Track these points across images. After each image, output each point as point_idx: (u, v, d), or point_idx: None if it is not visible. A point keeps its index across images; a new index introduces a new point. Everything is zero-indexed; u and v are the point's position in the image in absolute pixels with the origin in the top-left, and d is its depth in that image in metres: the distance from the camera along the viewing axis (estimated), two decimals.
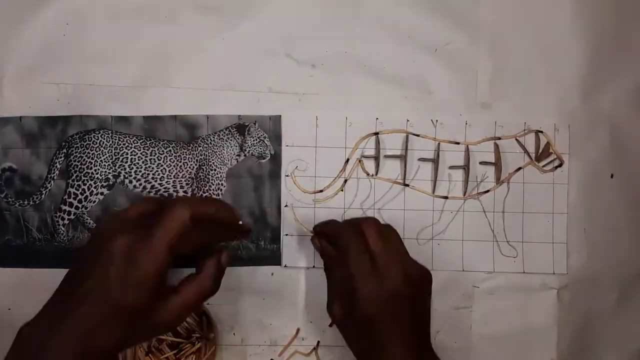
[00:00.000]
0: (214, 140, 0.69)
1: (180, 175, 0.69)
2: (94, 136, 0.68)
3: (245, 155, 0.69)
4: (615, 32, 0.70)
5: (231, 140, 0.69)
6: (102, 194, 0.68)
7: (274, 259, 0.69)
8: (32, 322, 0.44)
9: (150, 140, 0.68)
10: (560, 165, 0.69)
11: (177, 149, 0.69)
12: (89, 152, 0.68)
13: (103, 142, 0.68)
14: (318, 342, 0.69)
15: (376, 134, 0.69)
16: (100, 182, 0.68)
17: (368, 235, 0.53)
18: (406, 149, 0.69)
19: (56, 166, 0.68)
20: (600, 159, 0.70)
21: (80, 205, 0.68)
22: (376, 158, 0.69)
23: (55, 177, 0.68)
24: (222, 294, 0.68)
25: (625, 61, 0.70)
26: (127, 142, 0.68)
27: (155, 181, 0.69)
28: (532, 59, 0.70)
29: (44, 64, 0.68)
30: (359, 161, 0.69)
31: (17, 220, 0.68)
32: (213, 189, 0.69)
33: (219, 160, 0.69)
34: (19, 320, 0.67)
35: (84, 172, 0.68)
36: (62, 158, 0.68)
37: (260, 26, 0.69)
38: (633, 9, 0.70)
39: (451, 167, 0.69)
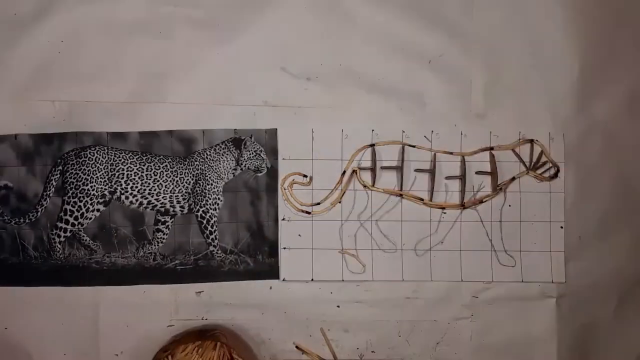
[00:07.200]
0: (210, 154, 0.69)
1: (177, 190, 0.69)
2: (89, 153, 0.68)
3: (241, 169, 0.69)
4: (607, 41, 0.70)
5: (227, 154, 0.69)
6: (98, 210, 0.68)
7: (272, 272, 0.68)
8: None
9: (146, 155, 0.68)
10: (556, 174, 0.69)
11: (173, 164, 0.69)
12: (84, 169, 0.68)
13: (99, 159, 0.68)
14: None
15: (372, 145, 0.69)
16: (97, 198, 0.68)
17: None
18: (402, 160, 0.69)
19: (52, 183, 0.68)
20: (595, 166, 0.70)
21: (76, 222, 0.68)
22: (372, 169, 0.69)
23: (51, 195, 0.68)
24: (219, 308, 0.68)
25: (617, 70, 0.70)
26: (122, 158, 0.68)
27: (152, 196, 0.68)
28: (526, 69, 0.70)
29: (39, 82, 0.68)
30: (356, 173, 0.69)
31: (13, 238, 0.67)
32: (210, 203, 0.68)
33: (215, 174, 0.69)
34: (16, 340, 0.67)
35: (80, 188, 0.68)
36: (58, 175, 0.68)
37: (255, 41, 0.69)
38: (624, 20, 0.71)
39: (447, 178, 0.69)
